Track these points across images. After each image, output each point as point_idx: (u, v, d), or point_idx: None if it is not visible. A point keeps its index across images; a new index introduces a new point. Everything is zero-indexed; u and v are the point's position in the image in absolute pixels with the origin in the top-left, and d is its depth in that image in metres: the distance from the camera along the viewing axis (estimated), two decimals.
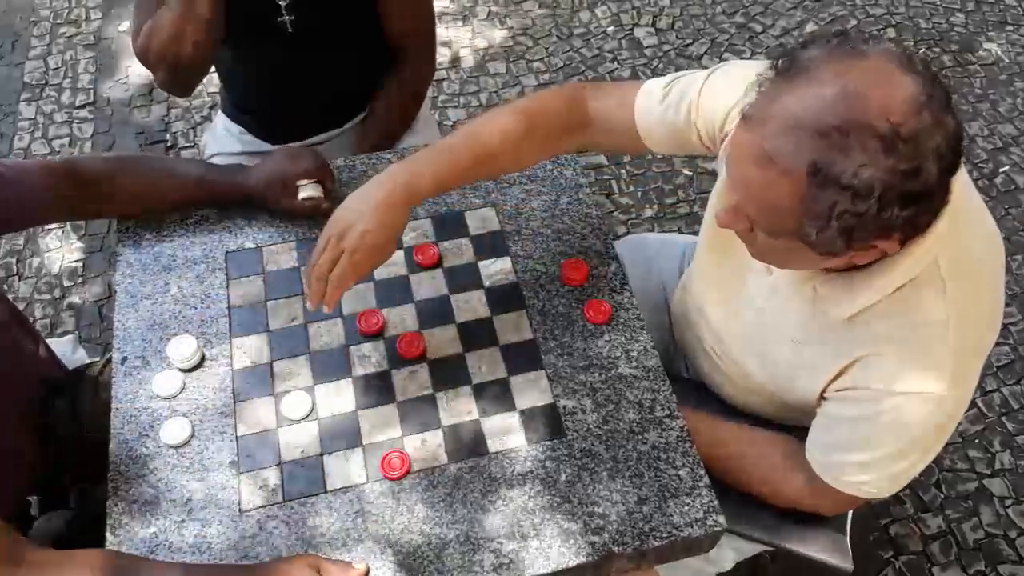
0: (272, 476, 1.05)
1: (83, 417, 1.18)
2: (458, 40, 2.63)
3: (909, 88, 0.74)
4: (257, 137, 1.62)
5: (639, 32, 2.66)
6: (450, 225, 1.28)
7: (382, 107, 1.57)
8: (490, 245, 1.26)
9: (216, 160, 1.63)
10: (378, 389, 1.12)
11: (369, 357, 1.15)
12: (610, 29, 2.67)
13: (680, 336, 1.31)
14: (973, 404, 1.90)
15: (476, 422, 1.09)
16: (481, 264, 1.24)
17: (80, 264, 2.14)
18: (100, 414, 1.13)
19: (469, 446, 1.07)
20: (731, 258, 1.06)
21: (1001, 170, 2.33)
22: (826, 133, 0.74)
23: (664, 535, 1.00)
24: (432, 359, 1.15)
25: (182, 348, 1.13)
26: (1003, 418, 1.89)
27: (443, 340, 1.17)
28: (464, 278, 1.23)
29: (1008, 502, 1.77)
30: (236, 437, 1.08)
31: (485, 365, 1.14)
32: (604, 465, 1.06)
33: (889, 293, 0.88)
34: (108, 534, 1.00)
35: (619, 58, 2.58)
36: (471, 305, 1.20)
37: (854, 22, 2.69)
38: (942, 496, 1.78)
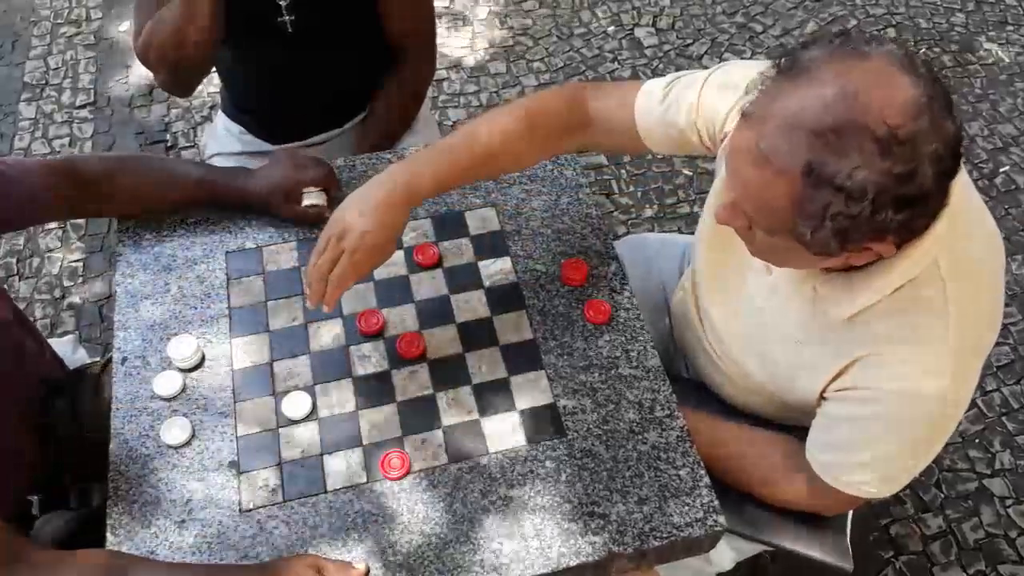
0: (272, 476, 1.05)
1: (83, 417, 1.18)
2: (458, 40, 2.63)
3: (909, 90, 0.74)
4: (257, 137, 1.62)
5: (639, 32, 2.66)
6: (450, 225, 1.28)
7: (382, 107, 1.57)
8: (490, 245, 1.26)
9: (216, 160, 1.63)
10: (378, 389, 1.12)
11: (369, 357, 1.15)
12: (610, 29, 2.67)
13: (680, 336, 1.31)
14: (973, 404, 1.90)
15: (476, 422, 1.09)
16: (481, 264, 1.24)
17: (80, 264, 2.14)
18: (100, 414, 1.13)
19: (469, 446, 1.07)
20: (731, 257, 1.06)
21: (1001, 170, 2.33)
22: (822, 134, 0.74)
23: (664, 535, 1.00)
24: (432, 359, 1.15)
25: (182, 348, 1.13)
26: (1003, 418, 1.89)
27: (443, 340, 1.17)
28: (464, 278, 1.23)
29: (1008, 502, 1.77)
30: (236, 437, 1.08)
31: (485, 365, 1.14)
32: (604, 465, 1.06)
33: (888, 293, 0.88)
34: (108, 534, 1.00)
35: (619, 58, 2.58)
36: (471, 305, 1.20)
37: (854, 22, 2.69)
38: (942, 496, 1.78)
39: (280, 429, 1.09)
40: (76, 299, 2.08)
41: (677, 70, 2.47)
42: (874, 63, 0.76)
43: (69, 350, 1.37)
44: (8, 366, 1.09)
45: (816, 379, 0.98)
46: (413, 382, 1.13)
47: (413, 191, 1.03)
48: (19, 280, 2.11)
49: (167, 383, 1.11)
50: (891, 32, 2.66)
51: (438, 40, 1.65)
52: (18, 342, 1.15)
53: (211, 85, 2.36)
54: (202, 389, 1.12)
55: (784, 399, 1.07)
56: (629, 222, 2.22)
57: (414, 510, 1.02)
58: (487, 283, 1.23)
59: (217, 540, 1.00)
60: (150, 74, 1.41)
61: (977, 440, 1.86)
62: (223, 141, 1.66)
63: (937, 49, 2.61)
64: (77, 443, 1.16)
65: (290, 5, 1.36)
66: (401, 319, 1.19)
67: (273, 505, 1.03)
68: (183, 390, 1.12)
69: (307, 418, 1.10)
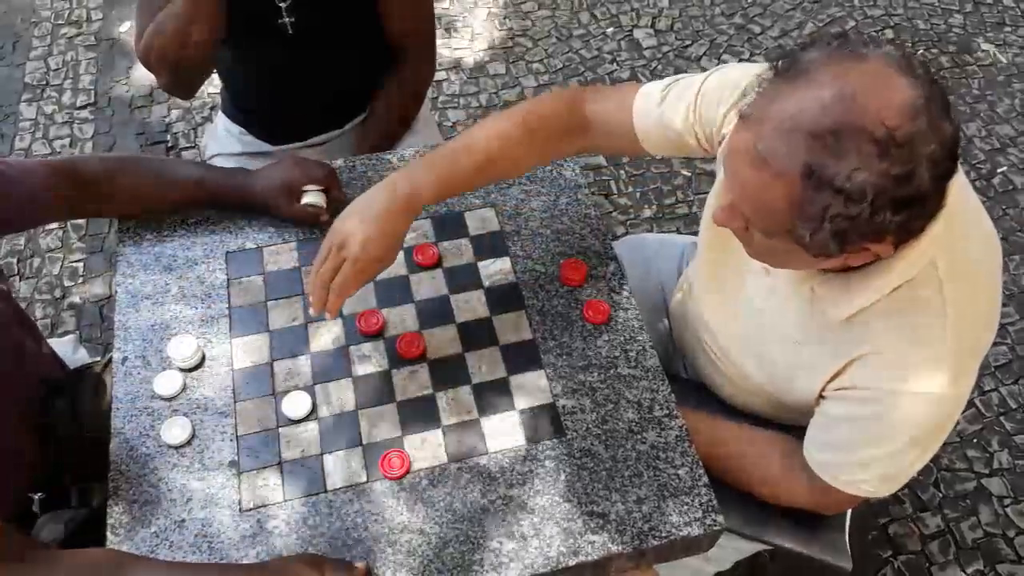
0: (272, 476, 1.05)
1: (83, 417, 1.18)
2: (458, 41, 2.63)
3: (907, 92, 0.74)
4: (258, 138, 1.62)
5: (638, 33, 2.66)
6: (450, 225, 1.29)
7: (382, 107, 1.58)
8: (490, 245, 1.27)
9: (217, 160, 1.64)
10: (378, 389, 1.13)
11: (369, 357, 1.16)
12: (609, 30, 2.67)
13: (679, 336, 1.31)
14: (971, 404, 1.90)
15: (476, 422, 1.10)
16: (481, 264, 1.25)
17: (81, 264, 2.15)
18: (100, 414, 1.13)
19: (469, 446, 1.08)
20: (730, 259, 1.07)
21: (999, 171, 2.33)
22: (820, 136, 0.74)
23: (663, 534, 1.01)
24: (432, 359, 1.15)
25: (182, 348, 1.13)
26: (1001, 418, 1.89)
27: (443, 340, 1.17)
28: (464, 278, 1.23)
29: (1007, 501, 1.78)
30: (236, 437, 1.08)
31: (485, 365, 1.15)
32: (603, 465, 1.06)
33: (886, 294, 0.89)
34: (109, 534, 1.01)
35: (618, 59, 2.59)
36: (471, 305, 1.21)
37: (852, 23, 2.69)
38: (941, 495, 1.78)
39: (280, 429, 1.09)
40: (76, 299, 2.08)
41: (676, 71, 2.49)
42: (871, 65, 0.76)
43: (69, 350, 1.37)
44: (8, 366, 1.09)
45: (815, 379, 0.99)
46: (413, 382, 1.13)
47: (414, 199, 1.04)
48: (19, 280, 2.11)
49: (167, 383, 1.11)
50: (889, 33, 2.66)
51: (437, 41, 1.66)
52: (18, 342, 1.15)
53: (211, 86, 2.36)
54: (202, 389, 1.12)
55: (783, 399, 1.07)
56: (628, 222, 2.23)
57: (414, 510, 1.03)
58: (487, 283, 1.23)
59: (217, 540, 1.00)
60: (151, 75, 1.41)
61: (975, 440, 1.86)
62: (223, 142, 1.66)
63: (935, 50, 2.61)
64: (77, 443, 1.16)
65: (290, 6, 1.37)
66: (401, 319, 1.19)
67: (273, 505, 1.03)
68: (183, 390, 1.12)
69: (307, 418, 1.10)
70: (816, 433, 1.03)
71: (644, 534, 1.01)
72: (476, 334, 1.18)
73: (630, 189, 2.30)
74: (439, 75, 2.48)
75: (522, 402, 1.11)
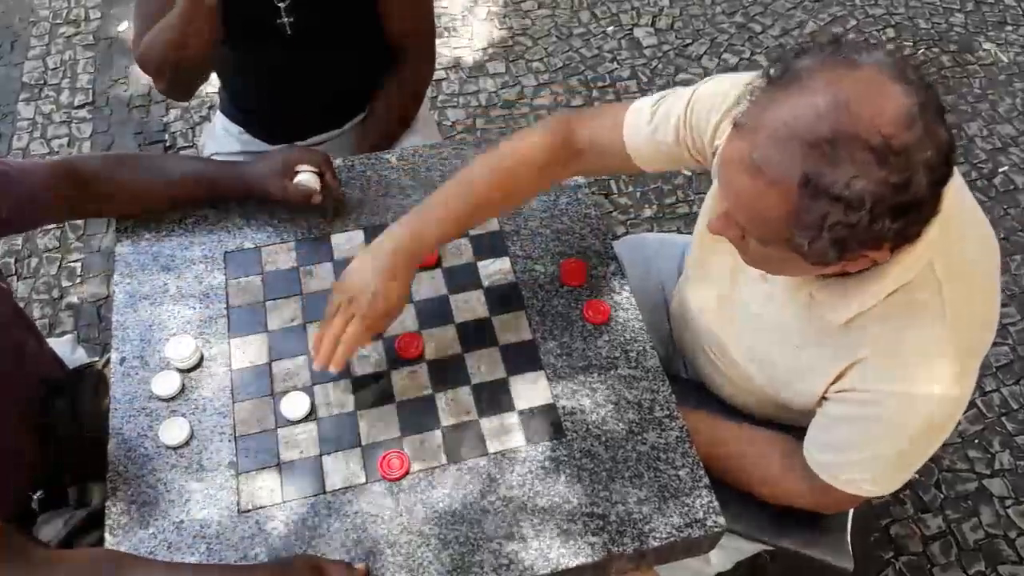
0: (272, 476, 1.05)
1: (83, 417, 1.17)
2: (457, 40, 2.63)
3: (901, 99, 0.74)
4: (256, 137, 1.62)
5: (639, 32, 2.66)
6: None
7: (382, 107, 1.57)
8: (489, 245, 1.26)
9: None
10: (377, 389, 1.12)
11: (368, 357, 1.15)
12: (610, 29, 2.67)
13: (679, 336, 1.31)
14: (972, 404, 1.90)
15: (475, 422, 1.09)
16: (480, 264, 1.24)
17: (78, 264, 2.14)
18: (100, 414, 1.13)
19: (469, 446, 1.07)
20: (726, 262, 1.06)
21: (1000, 170, 2.33)
22: (817, 144, 0.74)
23: (664, 535, 1.00)
24: (431, 359, 1.15)
25: (181, 348, 1.12)
26: (1003, 418, 1.89)
27: (442, 340, 1.17)
28: (463, 278, 1.23)
29: (1008, 502, 1.77)
30: (235, 437, 1.08)
31: (484, 365, 1.14)
32: (603, 465, 1.06)
33: (883, 298, 0.89)
34: (107, 534, 1.00)
35: (618, 58, 2.58)
36: (470, 305, 1.20)
37: (853, 22, 2.69)
38: (942, 496, 1.78)
39: (279, 429, 1.09)
40: (74, 299, 2.08)
41: (676, 70, 2.49)
42: (865, 72, 0.76)
43: (68, 350, 1.37)
44: (8, 366, 1.09)
45: (815, 382, 0.99)
46: (412, 382, 1.13)
47: (416, 249, 1.06)
48: (17, 280, 2.11)
49: (166, 383, 1.11)
50: (890, 32, 2.66)
51: (437, 40, 1.65)
52: (18, 342, 1.15)
53: (210, 85, 2.34)
54: (201, 389, 1.12)
55: (784, 401, 1.07)
56: (628, 222, 2.23)
57: (413, 510, 1.02)
58: (486, 283, 1.22)
59: (216, 540, 1.00)
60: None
61: (976, 440, 1.86)
62: (222, 141, 1.66)
63: (936, 49, 2.61)
64: (77, 443, 1.16)
65: (289, 6, 1.36)
66: (400, 319, 1.18)
67: (272, 505, 1.03)
68: (182, 390, 1.11)
69: (306, 418, 1.09)
70: (817, 433, 1.02)
71: (644, 535, 1.00)
72: (476, 334, 1.17)
73: (630, 189, 2.30)
74: (438, 74, 2.48)
75: (522, 403, 1.11)
